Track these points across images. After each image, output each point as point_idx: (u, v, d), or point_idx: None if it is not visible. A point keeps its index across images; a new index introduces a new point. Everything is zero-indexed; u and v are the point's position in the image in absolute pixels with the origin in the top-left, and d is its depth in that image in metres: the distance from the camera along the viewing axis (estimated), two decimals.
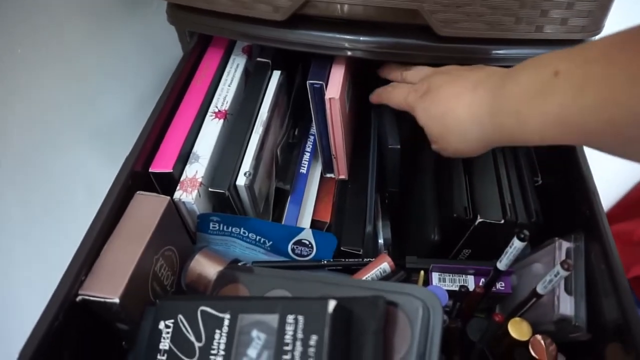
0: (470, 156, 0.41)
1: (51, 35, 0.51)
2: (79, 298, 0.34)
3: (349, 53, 0.46)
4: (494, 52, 0.44)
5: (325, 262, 0.45)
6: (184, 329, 0.32)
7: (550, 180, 0.49)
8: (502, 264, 0.38)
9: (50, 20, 0.51)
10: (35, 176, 0.52)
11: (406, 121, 0.51)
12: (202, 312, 0.32)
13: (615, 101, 0.26)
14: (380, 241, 0.51)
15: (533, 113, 0.31)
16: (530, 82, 0.32)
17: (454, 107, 0.38)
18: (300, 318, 0.28)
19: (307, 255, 0.46)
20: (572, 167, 0.44)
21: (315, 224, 0.52)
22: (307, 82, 0.46)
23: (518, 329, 0.36)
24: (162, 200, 0.40)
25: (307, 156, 0.55)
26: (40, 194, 0.54)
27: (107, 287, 0.34)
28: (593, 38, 0.45)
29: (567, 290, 0.36)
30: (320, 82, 0.46)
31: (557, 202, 0.42)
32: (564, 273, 0.33)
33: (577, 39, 0.44)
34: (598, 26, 0.43)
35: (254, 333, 0.30)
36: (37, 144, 0.52)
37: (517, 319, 0.37)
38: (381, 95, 0.49)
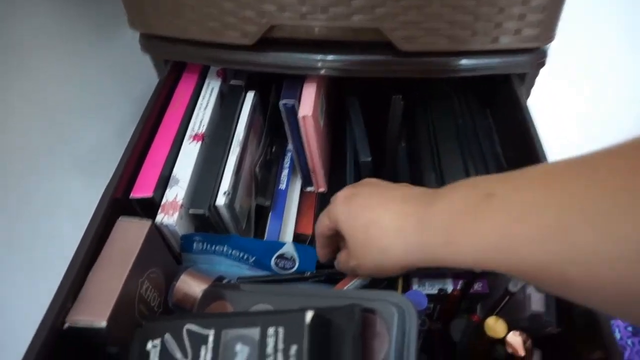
0: (388, 275, 0.37)
1: (30, 67, 0.53)
2: (66, 326, 0.34)
3: (319, 72, 0.48)
4: (454, 63, 0.46)
5: (308, 274, 0.47)
6: (170, 347, 0.33)
7: None
8: None
9: (29, 52, 0.52)
10: (19, 205, 0.53)
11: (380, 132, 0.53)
12: (188, 330, 0.33)
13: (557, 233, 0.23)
14: None
15: (464, 234, 0.29)
16: (460, 200, 0.30)
17: (380, 216, 0.35)
18: (281, 330, 0.30)
19: (290, 269, 0.47)
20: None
21: (298, 237, 0.53)
22: (280, 102, 0.48)
23: (494, 328, 0.37)
24: (144, 225, 0.41)
25: (285, 172, 0.56)
26: (25, 222, 0.54)
27: (94, 311, 0.35)
28: (547, 46, 0.47)
29: None
30: (292, 101, 0.48)
31: None
32: None
33: (533, 47, 0.47)
34: (550, 35, 0.46)
35: (238, 347, 0.31)
36: (20, 173, 0.53)
37: (492, 317, 0.38)
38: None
